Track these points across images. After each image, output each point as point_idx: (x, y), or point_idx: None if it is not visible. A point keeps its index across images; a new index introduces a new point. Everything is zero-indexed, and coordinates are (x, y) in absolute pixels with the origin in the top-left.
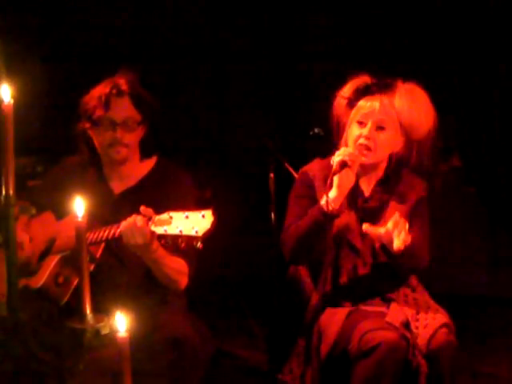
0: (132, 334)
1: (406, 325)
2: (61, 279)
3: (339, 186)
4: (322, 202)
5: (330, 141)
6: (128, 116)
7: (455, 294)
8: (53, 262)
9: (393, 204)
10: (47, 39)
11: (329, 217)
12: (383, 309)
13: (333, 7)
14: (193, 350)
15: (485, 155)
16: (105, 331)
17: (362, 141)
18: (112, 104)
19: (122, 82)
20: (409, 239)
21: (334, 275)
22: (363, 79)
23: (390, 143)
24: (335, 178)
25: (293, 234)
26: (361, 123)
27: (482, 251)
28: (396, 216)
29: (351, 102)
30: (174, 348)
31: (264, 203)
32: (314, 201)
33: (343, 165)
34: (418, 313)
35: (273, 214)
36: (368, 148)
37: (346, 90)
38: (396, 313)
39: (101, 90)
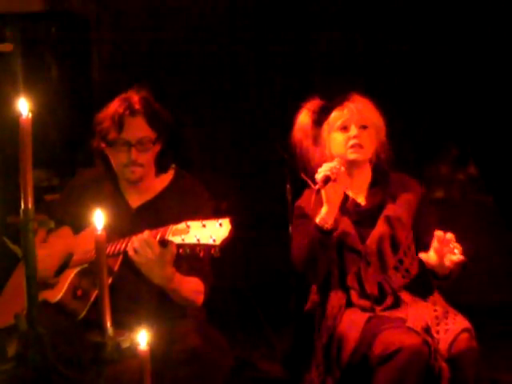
0: (151, 346)
1: (427, 330)
2: (79, 292)
3: (328, 201)
4: (317, 219)
5: None
6: (142, 136)
7: (475, 305)
8: (70, 275)
9: (389, 205)
10: (67, 51)
11: (326, 232)
12: (403, 314)
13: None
14: (211, 363)
15: (502, 163)
16: (125, 345)
17: (353, 141)
18: (126, 125)
19: (135, 101)
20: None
21: (342, 280)
22: (316, 103)
23: (373, 140)
24: (323, 194)
25: (298, 256)
26: (344, 128)
27: (501, 261)
28: (441, 236)
29: (319, 120)
30: (193, 360)
31: (281, 213)
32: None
33: (327, 180)
34: (437, 317)
35: (290, 224)
36: (360, 146)
37: (306, 117)
38: (416, 318)
39: (114, 109)
